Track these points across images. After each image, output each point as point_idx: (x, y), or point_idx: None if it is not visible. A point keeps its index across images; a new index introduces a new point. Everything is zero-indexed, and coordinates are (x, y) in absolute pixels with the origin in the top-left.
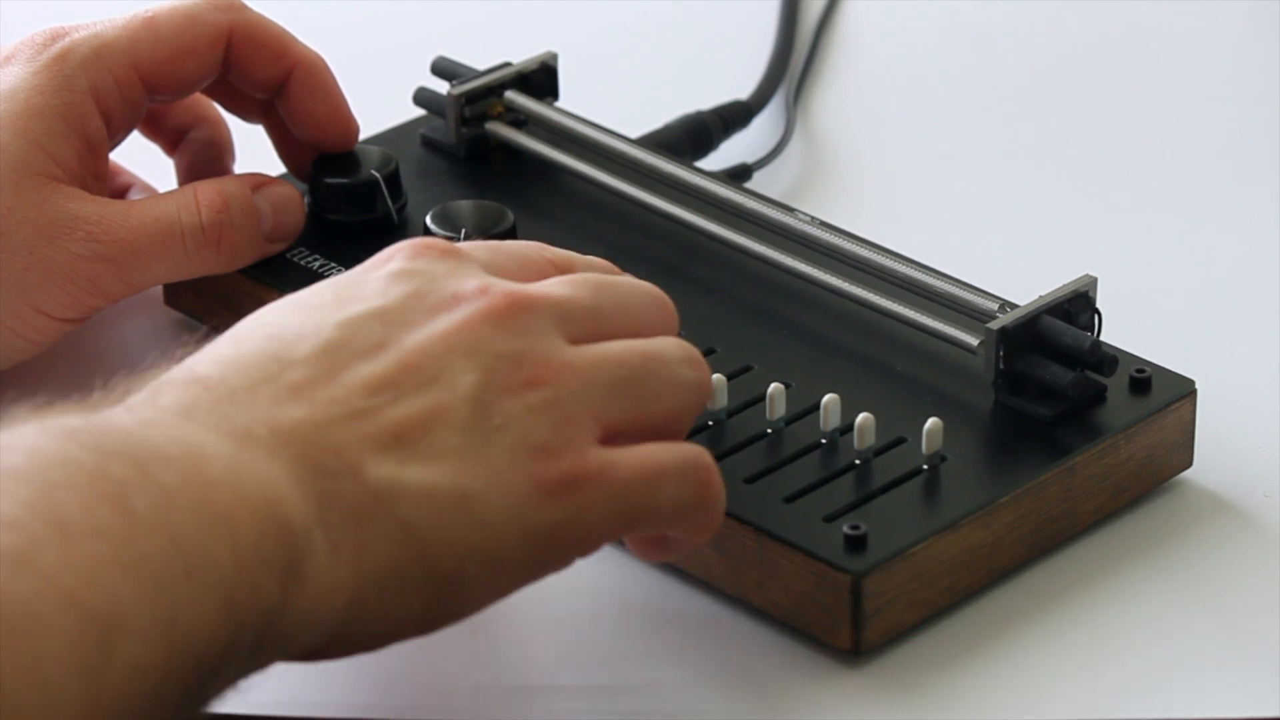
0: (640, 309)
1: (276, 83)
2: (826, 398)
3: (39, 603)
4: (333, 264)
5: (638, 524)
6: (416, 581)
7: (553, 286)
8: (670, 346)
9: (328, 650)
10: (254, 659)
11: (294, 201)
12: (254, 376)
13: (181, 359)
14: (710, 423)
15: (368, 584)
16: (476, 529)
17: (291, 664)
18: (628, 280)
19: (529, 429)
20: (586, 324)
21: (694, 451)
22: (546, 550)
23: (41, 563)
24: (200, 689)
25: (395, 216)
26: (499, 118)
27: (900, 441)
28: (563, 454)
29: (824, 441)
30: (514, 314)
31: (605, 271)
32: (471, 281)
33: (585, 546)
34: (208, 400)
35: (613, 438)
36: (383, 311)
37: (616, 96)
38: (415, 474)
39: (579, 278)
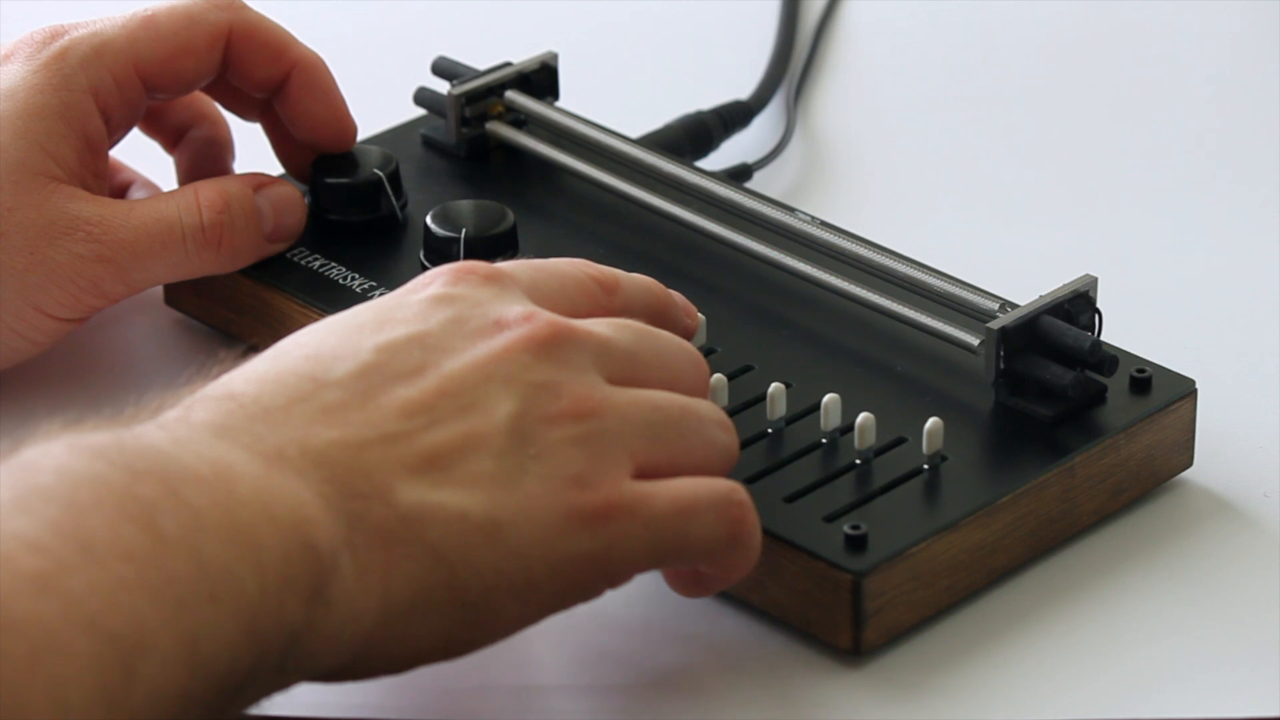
0: (676, 363)
1: (275, 82)
2: (827, 398)
3: (62, 626)
4: (333, 264)
5: (669, 557)
6: (443, 606)
7: (596, 325)
8: (706, 407)
9: (351, 671)
10: (276, 679)
11: (295, 202)
12: (289, 395)
13: (218, 375)
14: None
15: (394, 607)
16: (506, 557)
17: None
18: (667, 334)
19: (565, 459)
20: (624, 365)
21: (729, 487)
22: (576, 580)
23: (66, 586)
24: (221, 710)
25: (401, 215)
26: (499, 118)
27: (900, 441)
28: (598, 485)
29: (824, 441)
30: (555, 344)
31: (648, 288)
32: (514, 308)
33: (615, 578)
34: (241, 417)
35: (642, 478)
36: (422, 336)
37: (616, 96)
38: (447, 498)
39: (620, 322)
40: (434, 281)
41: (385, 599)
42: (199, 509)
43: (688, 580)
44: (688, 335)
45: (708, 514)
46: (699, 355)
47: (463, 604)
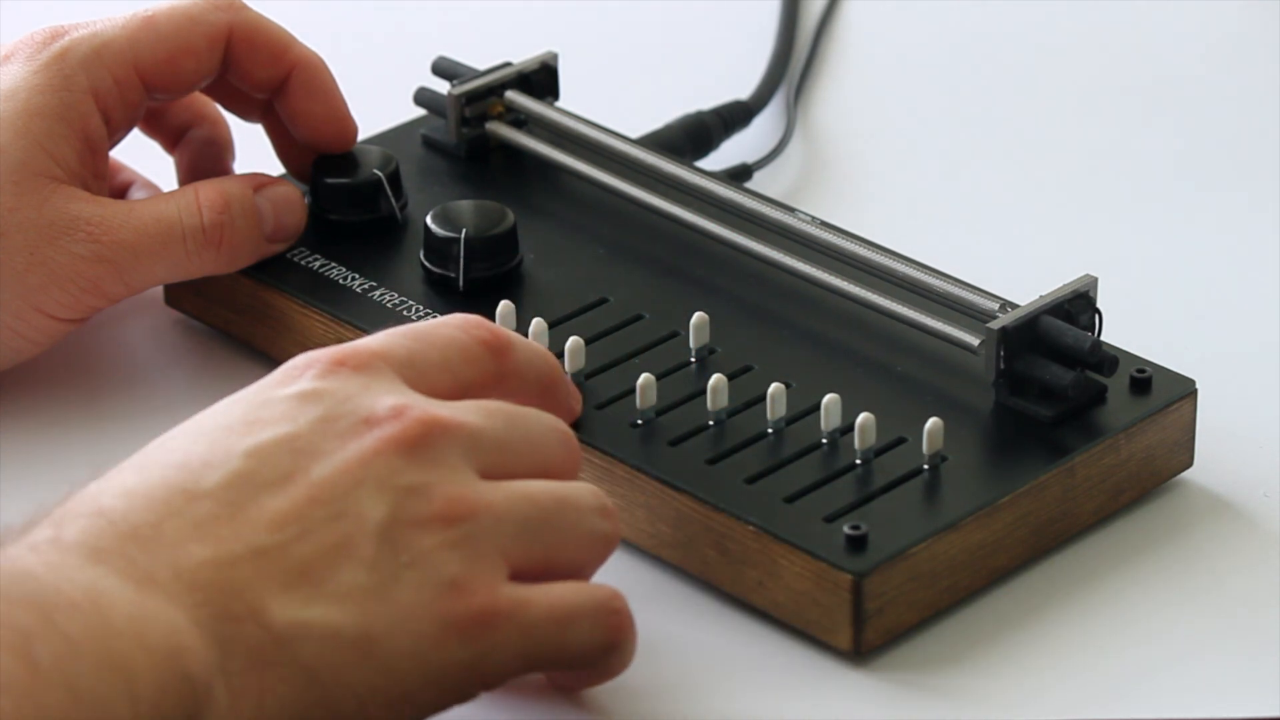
0: (546, 446)
1: (276, 83)
2: (827, 398)
3: None
4: (333, 264)
5: (546, 664)
6: None
7: (466, 413)
8: (584, 494)
9: None
10: None
11: (295, 202)
12: (159, 511)
13: (86, 483)
14: (711, 423)
15: None
16: (380, 672)
17: None
18: (537, 414)
19: (439, 565)
20: (495, 455)
21: (607, 594)
22: (451, 688)
23: None
24: None
25: (399, 215)
26: (499, 118)
27: (900, 441)
28: (474, 591)
29: (824, 441)
30: (424, 443)
31: (542, 356)
32: (384, 400)
33: (490, 683)
34: (112, 537)
35: (518, 579)
36: (291, 439)
37: (616, 96)
38: (318, 615)
39: (491, 406)
40: (304, 374)
41: None
42: (74, 638)
43: (557, 678)
44: (570, 418)
45: (585, 622)
46: (571, 436)
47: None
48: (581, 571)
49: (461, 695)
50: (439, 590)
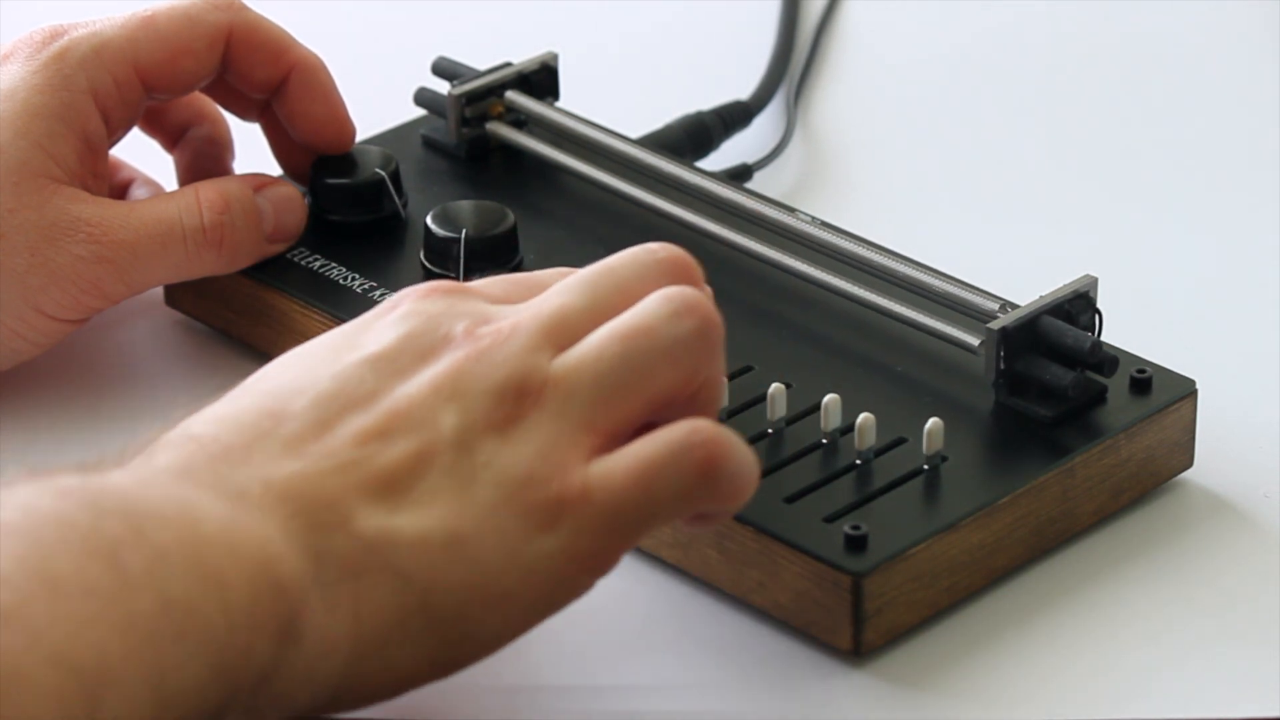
0: (643, 288)
1: (274, 83)
2: (827, 398)
3: (26, 659)
4: (333, 264)
5: (644, 528)
6: (419, 630)
7: (546, 299)
8: (652, 308)
9: (336, 705)
10: (253, 719)
11: (295, 202)
12: (249, 434)
13: (179, 420)
14: None
15: (368, 638)
16: (474, 570)
17: None
18: (629, 258)
19: (511, 462)
20: (583, 326)
21: (687, 430)
22: (551, 582)
23: (30, 619)
24: None
25: (403, 212)
26: (499, 118)
27: (901, 441)
28: (547, 479)
29: (824, 441)
30: (498, 347)
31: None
32: (463, 322)
33: (594, 568)
34: (203, 458)
35: (618, 436)
36: (375, 359)
37: (616, 96)
38: (407, 521)
39: (577, 276)
40: (400, 303)
41: (356, 631)
42: (164, 547)
43: (689, 520)
44: None
45: (669, 470)
46: (669, 258)
47: (438, 624)
48: (688, 384)
49: (570, 587)
50: (514, 486)
